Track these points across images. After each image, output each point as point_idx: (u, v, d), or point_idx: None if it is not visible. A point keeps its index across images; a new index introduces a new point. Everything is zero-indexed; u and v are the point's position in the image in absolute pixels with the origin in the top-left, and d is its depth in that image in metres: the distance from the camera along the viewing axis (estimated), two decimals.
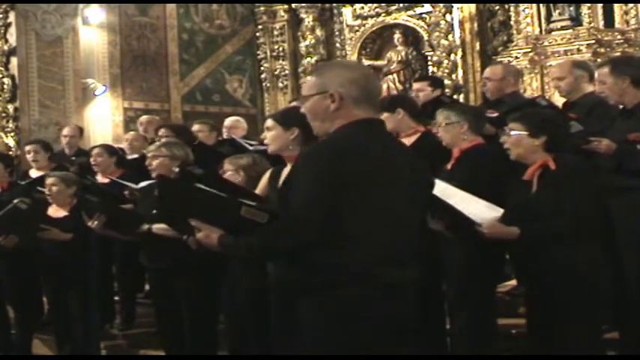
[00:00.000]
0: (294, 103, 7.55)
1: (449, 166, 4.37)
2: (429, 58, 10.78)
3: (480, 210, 3.79)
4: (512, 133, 3.81)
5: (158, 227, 4.69)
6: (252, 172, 4.32)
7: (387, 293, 2.60)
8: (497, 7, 10.46)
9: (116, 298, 6.63)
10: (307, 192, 2.57)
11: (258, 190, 3.98)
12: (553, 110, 4.92)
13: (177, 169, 4.78)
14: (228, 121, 7.64)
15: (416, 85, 6.55)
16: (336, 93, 2.70)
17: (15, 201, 5.29)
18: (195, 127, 7.02)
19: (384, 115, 4.69)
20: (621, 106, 4.55)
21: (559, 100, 6.56)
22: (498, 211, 3.78)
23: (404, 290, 2.68)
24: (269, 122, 3.89)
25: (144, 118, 8.63)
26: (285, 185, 2.73)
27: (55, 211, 5.54)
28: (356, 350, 2.58)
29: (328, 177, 2.56)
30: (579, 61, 6.15)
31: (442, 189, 3.72)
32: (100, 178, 6.39)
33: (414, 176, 2.77)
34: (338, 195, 2.56)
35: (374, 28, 11.48)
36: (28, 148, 6.97)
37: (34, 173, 6.88)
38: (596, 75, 4.68)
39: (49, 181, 5.56)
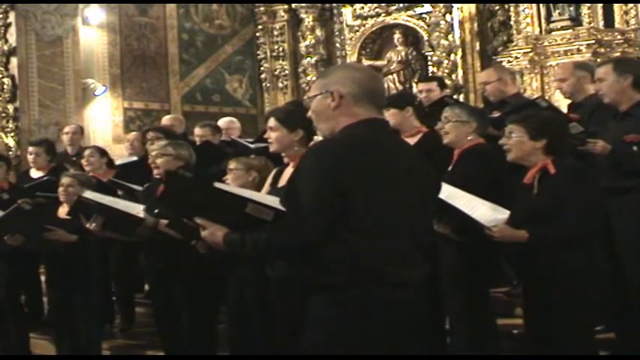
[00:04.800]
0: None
1: (450, 166, 4.38)
2: (429, 58, 10.77)
3: (485, 212, 3.78)
4: (513, 135, 3.80)
5: (164, 223, 4.61)
6: (265, 173, 4.31)
7: (398, 292, 2.58)
8: (497, 7, 10.42)
9: (114, 298, 6.63)
10: (314, 189, 2.53)
11: (263, 191, 3.95)
12: (554, 111, 4.92)
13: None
14: (222, 122, 7.55)
15: (424, 86, 6.51)
16: (336, 91, 2.69)
17: (19, 201, 5.29)
18: (198, 132, 6.89)
19: (392, 112, 4.70)
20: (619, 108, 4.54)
21: (560, 101, 6.56)
22: (504, 213, 3.76)
23: (415, 289, 2.65)
24: (272, 122, 3.87)
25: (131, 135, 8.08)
26: (291, 183, 2.69)
27: (64, 212, 5.52)
28: (366, 350, 2.56)
29: (335, 174, 2.53)
30: (581, 62, 6.15)
31: (448, 192, 3.72)
32: None
33: (423, 175, 2.75)
34: (346, 193, 2.53)
35: (374, 28, 11.46)
36: (30, 149, 6.96)
37: (34, 173, 6.88)
38: (595, 73, 4.67)
39: (66, 181, 5.46)
